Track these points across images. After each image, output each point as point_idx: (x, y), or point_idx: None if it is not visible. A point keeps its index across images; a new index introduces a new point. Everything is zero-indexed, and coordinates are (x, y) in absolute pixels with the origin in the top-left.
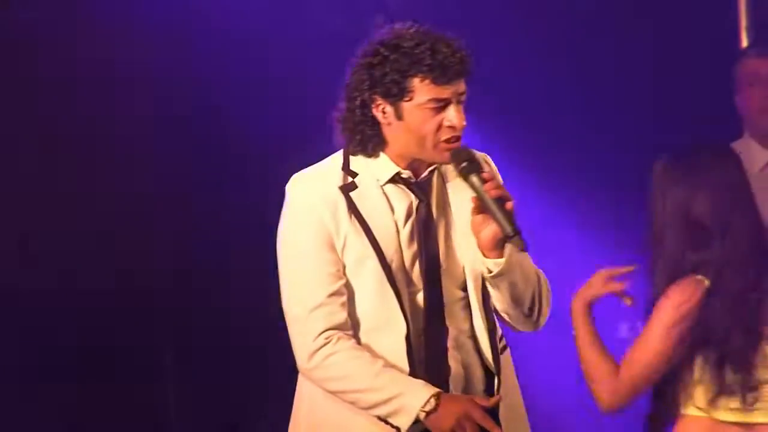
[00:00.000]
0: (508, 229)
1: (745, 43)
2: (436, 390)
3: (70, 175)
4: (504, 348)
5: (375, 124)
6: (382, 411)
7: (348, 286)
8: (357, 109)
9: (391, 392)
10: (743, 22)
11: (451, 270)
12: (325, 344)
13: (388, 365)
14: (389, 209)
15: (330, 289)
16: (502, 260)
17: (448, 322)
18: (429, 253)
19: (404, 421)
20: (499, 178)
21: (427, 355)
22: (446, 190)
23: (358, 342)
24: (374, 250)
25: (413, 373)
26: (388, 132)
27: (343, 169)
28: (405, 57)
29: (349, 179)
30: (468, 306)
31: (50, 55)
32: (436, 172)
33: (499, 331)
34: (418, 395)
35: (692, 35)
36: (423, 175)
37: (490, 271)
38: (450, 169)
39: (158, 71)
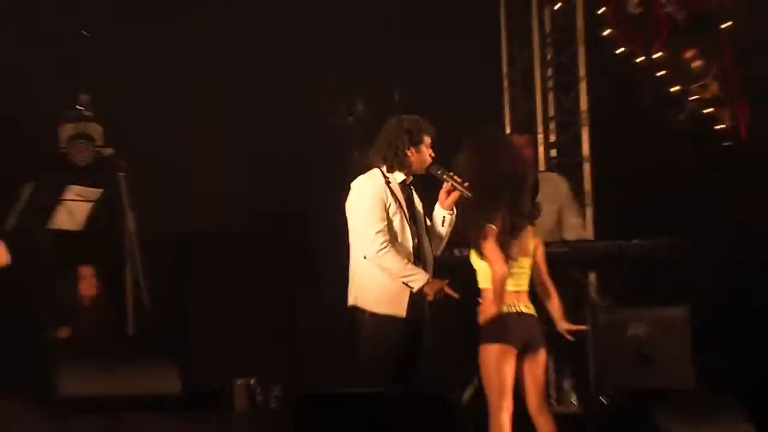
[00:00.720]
0: (467, 193)
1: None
2: (429, 276)
3: None
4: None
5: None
6: (405, 279)
7: (389, 225)
8: (395, 149)
9: (412, 272)
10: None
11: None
12: (382, 248)
13: (409, 260)
14: (402, 194)
15: (384, 224)
16: (453, 212)
17: (425, 241)
18: (415, 215)
19: (416, 286)
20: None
21: (419, 255)
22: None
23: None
24: (400, 210)
25: (415, 263)
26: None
27: (383, 176)
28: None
29: (386, 180)
30: (429, 236)
31: None
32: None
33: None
34: (423, 276)
35: None
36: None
37: (444, 219)
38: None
39: None
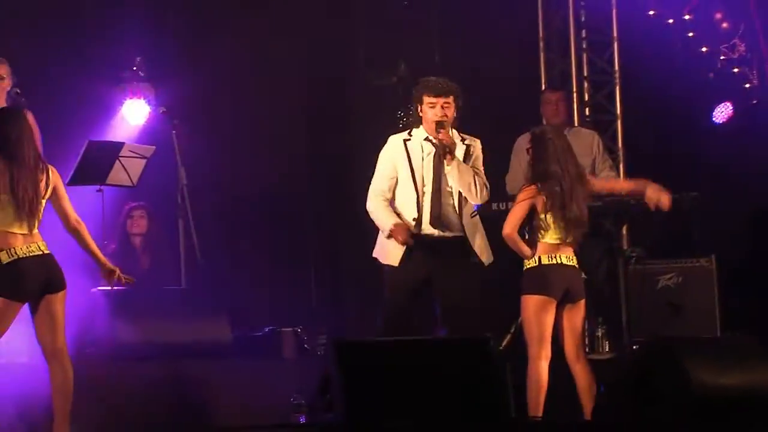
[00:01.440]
0: (449, 147)
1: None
2: (392, 222)
3: None
4: (474, 215)
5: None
6: (380, 228)
7: (398, 182)
8: (411, 110)
9: (384, 221)
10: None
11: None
12: (373, 204)
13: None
14: (423, 151)
15: (384, 184)
16: (451, 167)
17: (431, 197)
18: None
19: (385, 233)
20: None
21: (419, 208)
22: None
23: (395, 200)
24: (408, 167)
25: (419, 215)
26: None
27: (408, 134)
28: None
29: (408, 138)
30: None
31: None
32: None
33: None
34: (388, 224)
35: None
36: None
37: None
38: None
39: None
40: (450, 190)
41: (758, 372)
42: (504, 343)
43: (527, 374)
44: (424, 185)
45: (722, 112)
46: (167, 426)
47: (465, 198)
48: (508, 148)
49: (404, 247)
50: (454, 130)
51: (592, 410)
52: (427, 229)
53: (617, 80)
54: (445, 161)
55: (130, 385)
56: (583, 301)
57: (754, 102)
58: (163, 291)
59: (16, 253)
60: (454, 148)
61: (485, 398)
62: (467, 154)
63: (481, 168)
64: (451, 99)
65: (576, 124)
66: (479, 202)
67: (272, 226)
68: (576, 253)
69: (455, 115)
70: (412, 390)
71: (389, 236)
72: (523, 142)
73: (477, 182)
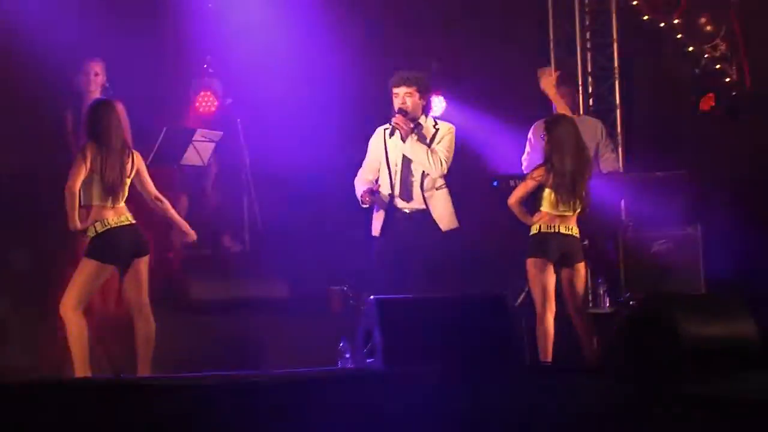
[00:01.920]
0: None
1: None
2: (360, 193)
3: None
4: (440, 187)
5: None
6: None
7: (380, 164)
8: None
9: (361, 190)
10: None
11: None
12: (357, 183)
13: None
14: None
15: (367, 167)
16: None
17: (401, 176)
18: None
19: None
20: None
21: (392, 186)
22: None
23: (378, 175)
24: (384, 151)
25: (392, 191)
26: None
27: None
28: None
29: (388, 126)
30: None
31: None
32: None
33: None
34: (357, 193)
35: None
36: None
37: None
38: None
39: None
40: (412, 169)
41: (737, 324)
42: (519, 300)
43: (536, 326)
44: (395, 165)
45: (706, 102)
46: (231, 366)
47: (426, 174)
48: (523, 132)
49: (382, 220)
50: (430, 117)
51: (593, 357)
52: (399, 203)
53: (616, 76)
54: (402, 142)
55: (201, 335)
56: (581, 264)
57: (734, 94)
58: (230, 254)
59: (108, 223)
60: (407, 131)
61: (502, 346)
62: (434, 138)
63: (445, 148)
64: (413, 89)
65: (582, 113)
66: (437, 175)
67: (321, 198)
68: (578, 224)
69: (422, 103)
70: (439, 339)
71: (362, 203)
72: (537, 128)
73: (432, 158)
